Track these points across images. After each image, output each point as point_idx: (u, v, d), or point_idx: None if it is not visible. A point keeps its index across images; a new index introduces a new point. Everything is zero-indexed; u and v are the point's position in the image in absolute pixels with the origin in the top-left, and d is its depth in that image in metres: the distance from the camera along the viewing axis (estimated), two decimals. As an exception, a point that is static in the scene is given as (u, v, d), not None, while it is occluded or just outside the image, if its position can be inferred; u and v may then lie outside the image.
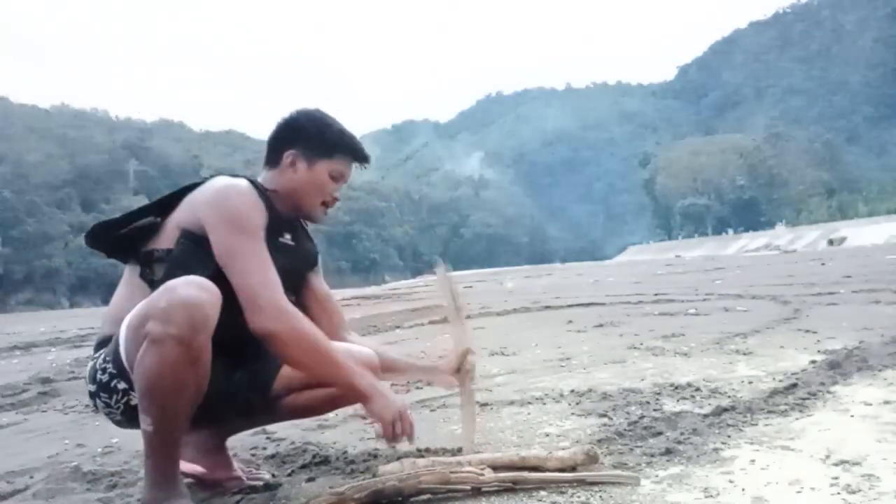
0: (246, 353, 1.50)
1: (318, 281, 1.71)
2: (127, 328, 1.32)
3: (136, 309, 1.31)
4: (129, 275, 1.48)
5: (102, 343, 1.44)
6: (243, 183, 1.47)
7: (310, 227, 1.73)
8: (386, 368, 1.68)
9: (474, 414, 1.68)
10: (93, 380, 1.41)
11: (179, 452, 1.37)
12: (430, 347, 4.09)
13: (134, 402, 1.33)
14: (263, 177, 1.58)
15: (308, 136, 1.55)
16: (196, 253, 1.39)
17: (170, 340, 1.21)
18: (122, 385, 1.35)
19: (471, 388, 1.69)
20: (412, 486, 1.37)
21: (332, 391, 1.51)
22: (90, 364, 1.44)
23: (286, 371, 1.51)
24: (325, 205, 1.58)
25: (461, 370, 1.68)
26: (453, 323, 1.75)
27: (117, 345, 1.35)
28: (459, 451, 1.69)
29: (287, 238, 1.56)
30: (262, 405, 1.53)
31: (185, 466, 1.59)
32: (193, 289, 1.24)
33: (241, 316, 1.38)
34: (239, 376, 1.49)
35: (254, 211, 1.43)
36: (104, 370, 1.37)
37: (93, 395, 1.42)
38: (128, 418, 1.38)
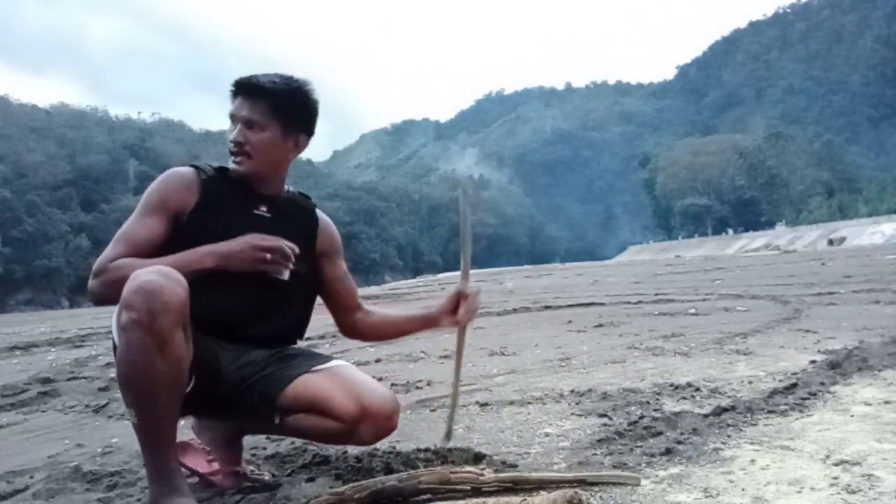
0: (254, 340, 1.53)
1: (331, 266, 1.70)
2: (114, 323, 1.34)
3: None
4: None
5: None
6: (182, 168, 1.55)
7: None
8: (393, 330, 1.74)
9: (461, 366, 1.63)
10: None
11: (173, 447, 1.35)
12: (429, 347, 4.09)
13: None
14: None
15: None
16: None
17: (132, 326, 1.22)
18: None
19: (462, 335, 1.62)
20: (412, 486, 1.37)
21: (329, 425, 1.47)
22: None
23: (292, 390, 1.49)
24: (231, 153, 1.54)
25: (460, 312, 1.61)
26: (462, 251, 1.61)
27: (113, 339, 1.38)
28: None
29: (263, 210, 1.57)
30: (265, 414, 1.52)
31: (191, 462, 1.59)
32: (153, 275, 1.25)
33: (235, 299, 1.46)
34: (248, 375, 1.49)
35: (159, 189, 1.50)
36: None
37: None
38: None
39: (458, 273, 1.68)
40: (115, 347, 1.39)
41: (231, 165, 1.54)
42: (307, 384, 1.48)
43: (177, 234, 1.47)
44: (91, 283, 1.39)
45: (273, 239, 1.45)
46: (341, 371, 1.52)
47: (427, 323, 1.69)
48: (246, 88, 1.51)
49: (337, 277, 1.71)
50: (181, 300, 1.26)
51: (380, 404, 1.45)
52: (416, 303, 9.28)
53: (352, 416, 1.44)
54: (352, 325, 1.73)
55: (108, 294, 1.36)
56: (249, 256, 1.42)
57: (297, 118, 1.55)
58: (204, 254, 1.41)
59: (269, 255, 1.43)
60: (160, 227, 1.47)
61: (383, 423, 1.47)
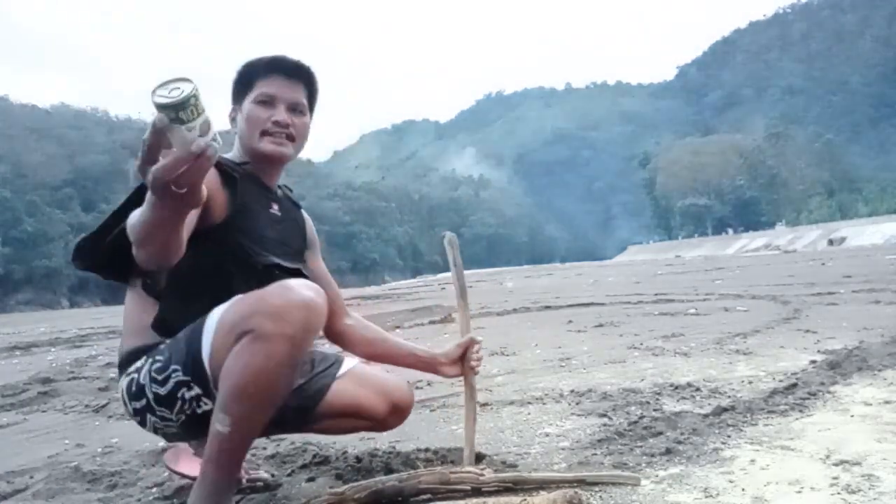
0: None
1: (314, 259, 1.62)
2: (218, 327, 1.21)
3: (232, 308, 1.20)
4: (132, 290, 1.37)
5: (129, 359, 1.33)
6: None
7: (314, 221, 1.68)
8: (385, 355, 1.63)
9: (475, 411, 1.59)
10: (138, 396, 1.28)
11: (242, 463, 1.32)
12: (429, 348, 4.09)
13: (204, 408, 1.24)
14: (233, 154, 1.46)
15: (232, 87, 1.44)
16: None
17: (281, 339, 1.13)
18: (191, 392, 1.24)
19: (473, 382, 1.58)
20: (412, 486, 1.37)
21: (360, 423, 1.54)
22: (125, 383, 1.31)
23: (327, 403, 1.47)
24: (268, 133, 1.39)
25: (465, 361, 1.57)
26: (458, 306, 1.64)
27: (192, 349, 1.23)
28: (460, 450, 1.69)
29: (275, 209, 1.48)
30: (295, 422, 1.50)
31: (185, 468, 1.59)
32: (311, 292, 1.18)
33: None
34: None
35: None
36: (165, 381, 1.24)
37: (140, 412, 1.29)
38: (187, 430, 1.31)
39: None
40: (188, 355, 1.23)
41: (266, 147, 1.40)
42: (339, 395, 1.49)
43: (209, 234, 1.28)
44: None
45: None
46: (362, 372, 1.56)
47: (426, 365, 1.61)
48: (289, 70, 1.42)
49: (320, 271, 1.63)
50: (325, 322, 1.24)
51: (404, 397, 1.56)
52: (415, 303, 9.27)
53: (384, 414, 1.52)
54: (340, 332, 1.61)
55: (142, 255, 1.07)
56: (151, 176, 0.90)
57: (314, 106, 1.51)
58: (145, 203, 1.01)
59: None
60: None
61: (408, 412, 1.59)
